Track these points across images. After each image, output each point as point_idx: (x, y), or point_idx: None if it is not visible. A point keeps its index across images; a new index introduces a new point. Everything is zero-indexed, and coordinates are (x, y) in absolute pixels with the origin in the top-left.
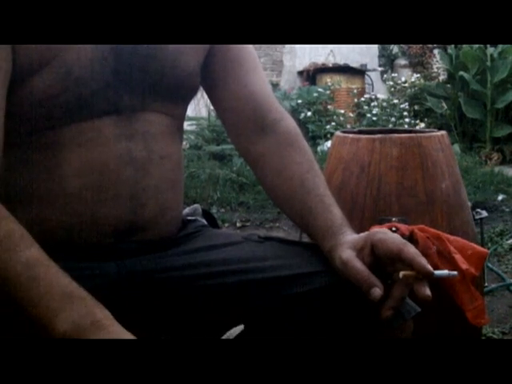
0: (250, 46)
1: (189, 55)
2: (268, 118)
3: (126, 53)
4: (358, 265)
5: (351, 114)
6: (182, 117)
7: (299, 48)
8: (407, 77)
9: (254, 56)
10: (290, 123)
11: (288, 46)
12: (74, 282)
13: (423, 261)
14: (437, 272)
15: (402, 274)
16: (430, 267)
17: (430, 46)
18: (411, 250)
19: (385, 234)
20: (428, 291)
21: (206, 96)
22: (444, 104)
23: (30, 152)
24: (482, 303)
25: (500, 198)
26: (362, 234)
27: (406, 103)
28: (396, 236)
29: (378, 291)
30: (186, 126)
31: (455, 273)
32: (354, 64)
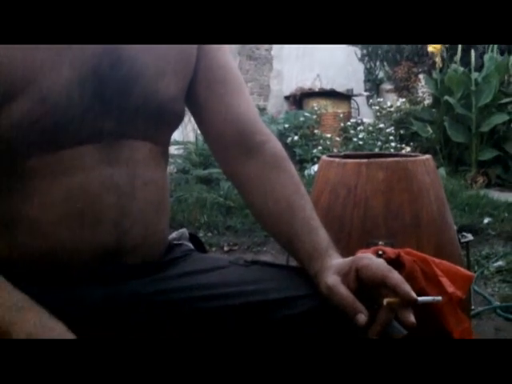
0: (236, 69)
1: (170, 79)
2: (254, 140)
3: (105, 78)
4: (343, 290)
5: (338, 138)
6: (166, 142)
7: (286, 72)
8: (393, 101)
9: (239, 79)
10: (276, 145)
11: (275, 70)
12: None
13: (407, 288)
14: (420, 298)
15: (385, 301)
16: (413, 294)
17: (415, 70)
18: (395, 276)
19: (370, 260)
20: (412, 318)
21: (193, 120)
22: (429, 128)
23: (13, 179)
24: (469, 326)
25: (486, 221)
26: (348, 259)
27: (392, 127)
28: (381, 262)
29: (362, 317)
30: (174, 150)
31: (439, 298)
32: (340, 88)
